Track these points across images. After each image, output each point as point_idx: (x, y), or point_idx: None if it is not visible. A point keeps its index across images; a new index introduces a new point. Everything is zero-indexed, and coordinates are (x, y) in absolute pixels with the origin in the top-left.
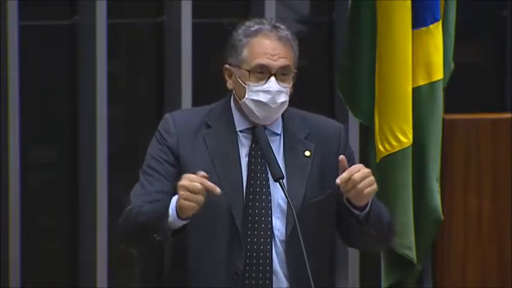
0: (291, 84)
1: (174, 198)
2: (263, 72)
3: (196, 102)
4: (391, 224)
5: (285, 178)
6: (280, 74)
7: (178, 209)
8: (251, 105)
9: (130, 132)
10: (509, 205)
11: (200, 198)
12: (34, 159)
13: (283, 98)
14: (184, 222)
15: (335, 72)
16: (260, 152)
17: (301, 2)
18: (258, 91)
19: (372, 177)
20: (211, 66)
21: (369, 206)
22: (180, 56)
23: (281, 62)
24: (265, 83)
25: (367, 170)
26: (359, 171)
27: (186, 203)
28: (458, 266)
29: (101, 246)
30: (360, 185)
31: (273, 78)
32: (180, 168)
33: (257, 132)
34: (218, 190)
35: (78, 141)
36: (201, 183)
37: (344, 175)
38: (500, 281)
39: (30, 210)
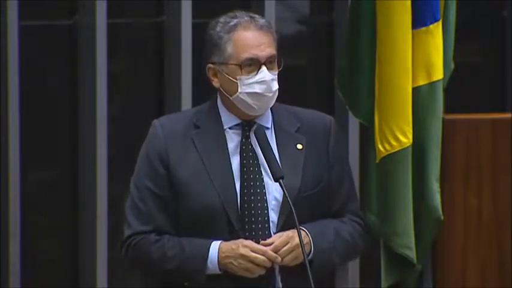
0: (278, 71)
1: (214, 250)
2: (253, 64)
3: (197, 102)
4: (350, 250)
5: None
6: (269, 62)
7: (228, 270)
8: (246, 98)
9: (130, 132)
10: (509, 205)
11: (261, 271)
12: (34, 159)
13: (276, 85)
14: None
15: (335, 72)
16: (251, 146)
17: (301, 2)
18: (252, 83)
19: (299, 250)
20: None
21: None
22: (180, 56)
23: (268, 51)
24: (256, 74)
25: (292, 245)
26: (286, 245)
27: (245, 273)
28: (458, 266)
29: (101, 246)
30: (285, 260)
31: (264, 68)
32: (170, 174)
33: (256, 132)
34: (279, 259)
35: (78, 141)
36: (264, 255)
37: (271, 249)
38: (500, 281)
39: (30, 210)
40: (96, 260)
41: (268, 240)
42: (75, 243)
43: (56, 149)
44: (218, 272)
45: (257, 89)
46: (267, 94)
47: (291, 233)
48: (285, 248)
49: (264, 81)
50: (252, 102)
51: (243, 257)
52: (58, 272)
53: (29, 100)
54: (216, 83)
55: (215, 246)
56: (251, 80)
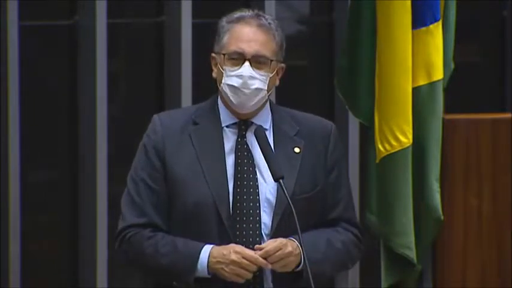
0: (270, 74)
1: (205, 254)
2: (238, 58)
3: (196, 102)
4: (343, 260)
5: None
6: (255, 61)
7: (220, 275)
8: (227, 90)
9: (130, 132)
10: (509, 205)
11: (249, 275)
12: (34, 159)
13: (258, 84)
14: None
15: (335, 72)
16: (246, 146)
17: (301, 2)
18: (232, 76)
19: (289, 259)
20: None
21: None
22: (180, 56)
23: (256, 49)
24: (239, 68)
25: (286, 251)
26: (275, 253)
27: (235, 278)
28: (458, 266)
29: (101, 246)
30: (274, 266)
31: (246, 63)
32: (165, 168)
33: (256, 132)
34: (270, 266)
35: (78, 141)
36: (255, 263)
37: (261, 254)
38: (500, 281)
39: (30, 210)
40: (96, 260)
41: (261, 245)
42: (75, 243)
43: (56, 149)
44: (207, 275)
45: (234, 82)
46: (243, 90)
47: (285, 240)
48: (276, 254)
49: (241, 76)
50: (230, 96)
51: (235, 263)
52: (58, 272)
53: (29, 100)
54: (214, 73)
55: (206, 249)
56: (232, 73)
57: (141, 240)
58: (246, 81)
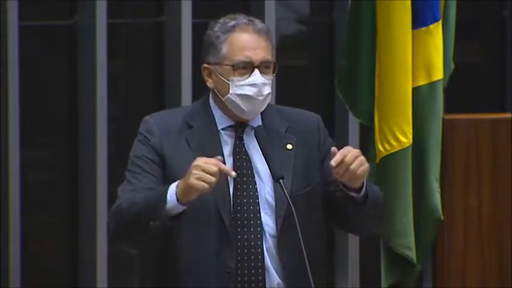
0: (272, 77)
1: (173, 184)
2: (246, 67)
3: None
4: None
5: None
6: (262, 66)
7: (187, 188)
8: (237, 100)
9: (130, 132)
10: (509, 205)
11: (214, 179)
12: (34, 159)
13: (268, 89)
14: (183, 208)
15: (335, 72)
16: (244, 149)
17: (301, 2)
18: (243, 85)
19: (362, 157)
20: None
21: (365, 187)
22: (180, 56)
23: (262, 55)
24: (249, 76)
25: (356, 151)
26: (349, 152)
27: (198, 182)
28: (458, 266)
29: (101, 246)
30: (352, 166)
31: (257, 71)
32: (165, 168)
33: (257, 133)
34: (233, 173)
35: (78, 141)
36: (216, 166)
37: (337, 158)
38: (500, 281)
39: (30, 210)
40: (96, 259)
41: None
42: (75, 243)
43: (56, 149)
44: (176, 203)
45: (248, 91)
46: (258, 97)
47: (347, 147)
48: (350, 154)
49: (255, 85)
50: (242, 105)
51: (197, 167)
52: (58, 272)
53: (29, 100)
54: (210, 83)
55: (175, 182)
56: (242, 82)
57: (119, 203)
58: (260, 89)
